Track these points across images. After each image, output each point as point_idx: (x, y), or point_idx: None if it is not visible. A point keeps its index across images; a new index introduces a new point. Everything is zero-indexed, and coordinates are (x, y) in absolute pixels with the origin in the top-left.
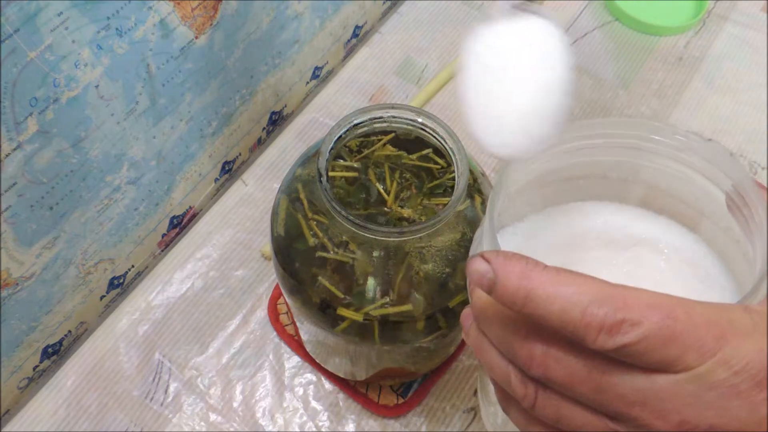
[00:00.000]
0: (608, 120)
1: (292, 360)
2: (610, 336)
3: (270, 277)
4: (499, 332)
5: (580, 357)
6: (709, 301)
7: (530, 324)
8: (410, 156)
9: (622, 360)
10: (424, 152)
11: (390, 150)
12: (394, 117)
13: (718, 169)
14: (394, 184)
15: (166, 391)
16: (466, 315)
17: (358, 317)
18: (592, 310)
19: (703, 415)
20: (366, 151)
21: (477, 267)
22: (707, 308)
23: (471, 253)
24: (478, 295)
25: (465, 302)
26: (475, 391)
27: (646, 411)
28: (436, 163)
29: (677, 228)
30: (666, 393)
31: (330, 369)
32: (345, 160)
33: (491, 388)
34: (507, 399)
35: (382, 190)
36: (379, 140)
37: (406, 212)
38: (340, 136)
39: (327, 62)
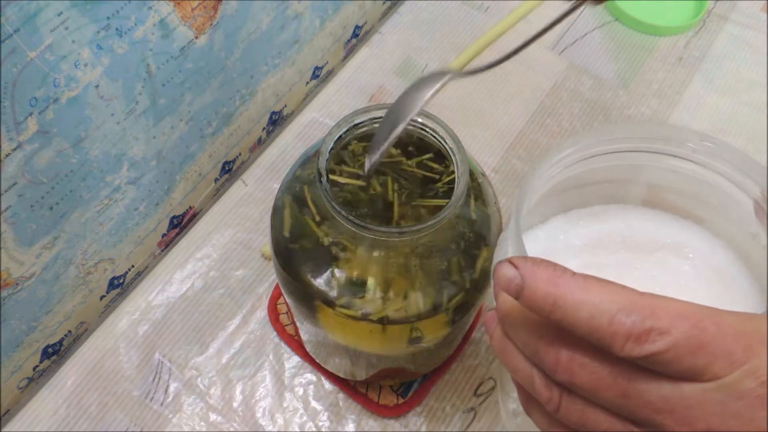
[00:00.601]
0: (634, 124)
1: (292, 360)
2: (638, 344)
3: (270, 277)
4: (524, 336)
5: (607, 363)
6: (738, 311)
7: (556, 329)
8: (409, 162)
9: (650, 368)
10: (425, 156)
11: (392, 154)
12: None
13: (746, 176)
14: (395, 194)
15: (166, 391)
16: (490, 318)
17: (358, 318)
18: (620, 318)
19: (729, 424)
20: None
21: (505, 272)
22: (736, 318)
23: (495, 256)
24: (504, 299)
25: (465, 302)
26: (475, 391)
27: (672, 418)
28: (437, 164)
29: (703, 233)
30: (693, 401)
31: (330, 369)
32: (349, 165)
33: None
34: (530, 401)
35: (381, 208)
36: None
37: (409, 221)
38: (340, 136)
39: (327, 62)
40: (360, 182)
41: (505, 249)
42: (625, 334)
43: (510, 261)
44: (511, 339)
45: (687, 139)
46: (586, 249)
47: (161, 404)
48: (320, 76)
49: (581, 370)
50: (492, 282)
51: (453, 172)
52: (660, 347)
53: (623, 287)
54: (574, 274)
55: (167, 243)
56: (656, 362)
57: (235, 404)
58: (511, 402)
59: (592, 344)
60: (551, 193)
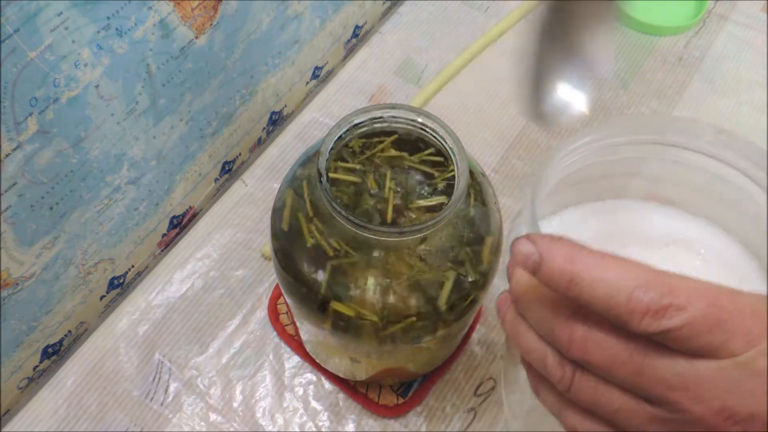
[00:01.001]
0: (647, 117)
1: (292, 360)
2: (655, 320)
3: (270, 277)
4: (539, 314)
5: (622, 340)
6: (754, 292)
7: (572, 306)
8: (411, 158)
9: (665, 344)
10: (425, 153)
11: (392, 152)
12: (394, 117)
13: (760, 169)
14: (391, 194)
15: (166, 391)
16: (503, 300)
17: (358, 318)
18: (637, 295)
19: (745, 402)
20: (368, 153)
21: (522, 248)
22: (752, 298)
23: (509, 241)
24: (519, 278)
25: (465, 302)
26: (475, 391)
27: (686, 396)
28: (437, 163)
29: (714, 229)
30: (708, 379)
31: (330, 369)
32: (348, 161)
33: (521, 374)
34: (540, 383)
35: (382, 208)
36: (381, 142)
37: (406, 220)
38: (340, 136)
39: (327, 62)
40: (359, 179)
41: (518, 232)
42: (643, 311)
43: (527, 237)
44: (524, 318)
45: (702, 132)
46: (597, 242)
47: (161, 404)
48: (320, 76)
49: (596, 347)
50: (506, 261)
51: (453, 172)
52: (677, 323)
53: (640, 265)
54: (591, 251)
55: (167, 243)
56: (673, 338)
57: (235, 404)
58: (514, 400)
59: (608, 321)
60: (565, 183)
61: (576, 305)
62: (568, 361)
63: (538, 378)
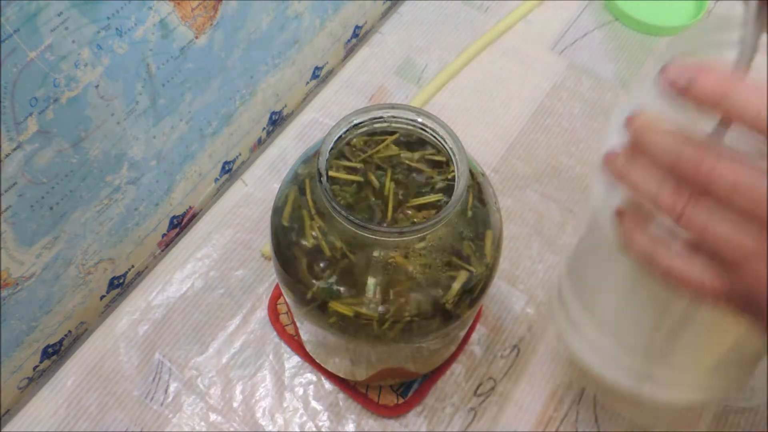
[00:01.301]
0: None
1: (292, 360)
2: None
3: (270, 277)
4: (666, 142)
5: (751, 167)
6: None
7: (700, 140)
8: (411, 157)
9: None
10: (426, 153)
11: (393, 150)
12: (394, 117)
13: None
14: (392, 193)
15: (166, 391)
16: (611, 155)
17: (358, 318)
18: None
19: None
20: (369, 151)
21: (675, 68)
22: None
23: (605, 142)
24: (645, 116)
25: (465, 301)
26: (475, 391)
27: None
28: (437, 163)
29: None
30: None
31: (330, 369)
32: (350, 160)
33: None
34: (635, 227)
35: (382, 208)
36: (383, 140)
37: (405, 221)
38: (340, 136)
39: (327, 62)
40: (359, 178)
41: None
42: None
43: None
44: (639, 158)
45: None
46: None
47: (161, 404)
48: (320, 76)
49: (723, 171)
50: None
51: (453, 172)
52: None
53: None
54: (743, 79)
55: (167, 243)
56: None
57: (235, 404)
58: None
59: (737, 155)
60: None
61: (702, 141)
62: (686, 188)
63: (634, 223)
